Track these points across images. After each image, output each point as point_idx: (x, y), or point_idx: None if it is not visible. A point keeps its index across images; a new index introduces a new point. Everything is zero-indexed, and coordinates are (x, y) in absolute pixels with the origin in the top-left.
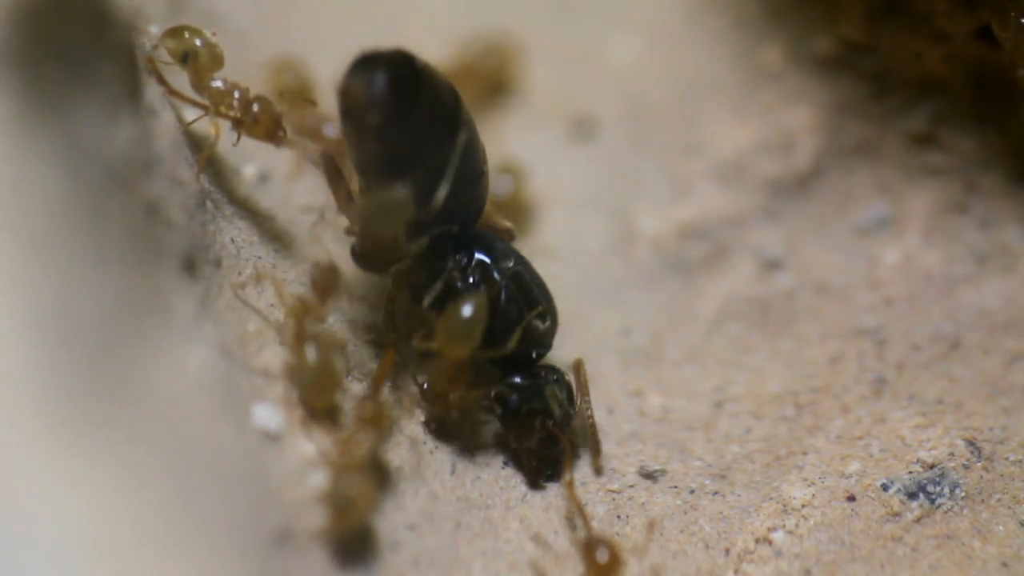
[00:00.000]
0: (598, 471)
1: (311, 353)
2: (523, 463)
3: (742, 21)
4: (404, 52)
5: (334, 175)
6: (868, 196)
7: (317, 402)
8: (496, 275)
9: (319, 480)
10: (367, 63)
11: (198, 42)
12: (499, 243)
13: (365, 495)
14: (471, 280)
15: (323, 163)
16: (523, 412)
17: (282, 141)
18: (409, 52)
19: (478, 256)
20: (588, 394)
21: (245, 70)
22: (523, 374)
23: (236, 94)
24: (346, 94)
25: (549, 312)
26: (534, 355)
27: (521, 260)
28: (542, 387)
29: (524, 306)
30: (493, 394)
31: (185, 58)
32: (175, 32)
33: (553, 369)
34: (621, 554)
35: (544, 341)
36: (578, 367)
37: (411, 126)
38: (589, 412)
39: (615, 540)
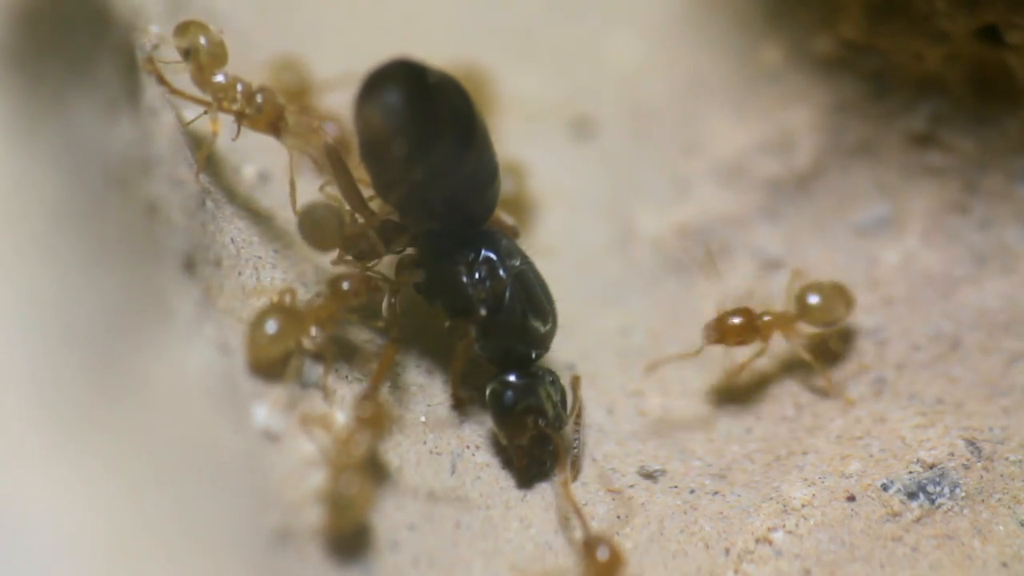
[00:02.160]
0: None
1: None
2: (513, 461)
3: (742, 21)
4: (413, 66)
5: (338, 168)
6: (868, 196)
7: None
8: (502, 272)
9: (318, 479)
10: (381, 88)
11: (202, 38)
12: (505, 241)
13: (364, 494)
14: (477, 276)
15: (327, 156)
16: (517, 410)
17: (284, 132)
18: (418, 64)
19: (485, 253)
20: (582, 416)
21: (246, 69)
22: (519, 373)
23: (239, 87)
24: (366, 126)
25: (550, 314)
26: (533, 355)
27: (526, 259)
28: (537, 386)
29: (527, 306)
30: (488, 390)
31: (188, 54)
32: (181, 28)
33: (549, 371)
34: (621, 552)
35: (543, 343)
36: (575, 385)
37: (435, 146)
38: (577, 436)
39: (614, 538)
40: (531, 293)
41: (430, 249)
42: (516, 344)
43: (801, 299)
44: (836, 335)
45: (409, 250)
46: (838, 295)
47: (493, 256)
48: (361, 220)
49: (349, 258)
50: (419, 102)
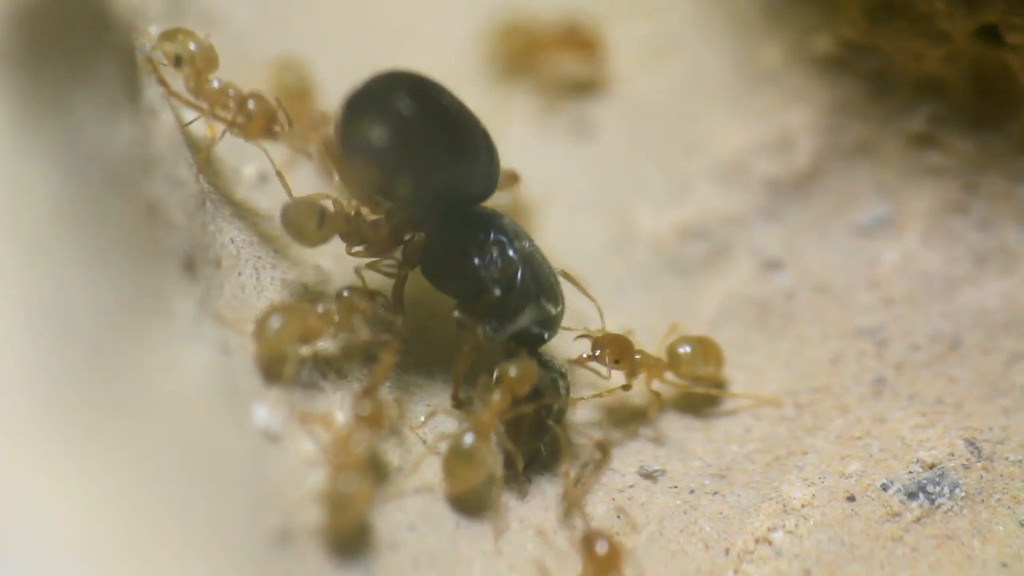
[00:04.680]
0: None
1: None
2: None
3: (742, 21)
4: (387, 96)
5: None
6: (868, 196)
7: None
8: (512, 253)
9: (318, 479)
10: (366, 135)
11: (192, 45)
12: (511, 223)
13: (362, 494)
14: (488, 257)
15: (327, 153)
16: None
17: (279, 136)
18: (388, 90)
19: (494, 235)
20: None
21: (246, 70)
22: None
23: (231, 92)
24: (362, 176)
25: (559, 295)
26: (545, 336)
27: (532, 242)
28: (544, 375)
29: (536, 287)
30: (495, 375)
31: (179, 61)
32: (169, 35)
33: (559, 361)
34: (620, 547)
35: (554, 324)
36: (605, 448)
37: (434, 163)
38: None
39: (613, 533)
40: (541, 274)
41: (438, 234)
42: (529, 325)
43: (672, 351)
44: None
45: (417, 236)
46: (709, 351)
47: (503, 238)
48: (346, 206)
49: (359, 248)
50: (407, 133)
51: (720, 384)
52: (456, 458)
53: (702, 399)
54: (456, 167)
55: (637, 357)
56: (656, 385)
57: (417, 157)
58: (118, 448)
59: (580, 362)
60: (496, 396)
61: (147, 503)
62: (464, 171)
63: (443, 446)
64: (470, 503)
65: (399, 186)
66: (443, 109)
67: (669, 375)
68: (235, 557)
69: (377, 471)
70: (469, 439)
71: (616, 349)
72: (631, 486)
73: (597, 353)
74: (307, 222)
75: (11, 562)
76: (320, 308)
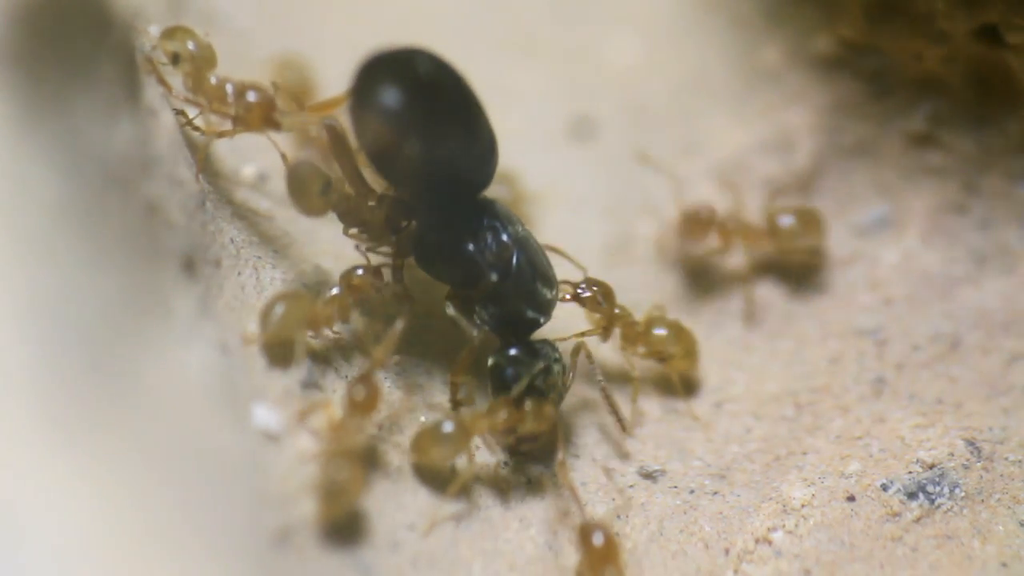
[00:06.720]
0: (628, 433)
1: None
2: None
3: (741, 21)
4: (402, 61)
5: (339, 148)
6: (868, 196)
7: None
8: (506, 238)
9: (312, 470)
10: (379, 93)
11: (190, 44)
12: (502, 208)
13: (354, 481)
14: (484, 244)
15: (328, 135)
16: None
17: (280, 125)
18: (405, 56)
19: (487, 221)
20: (598, 371)
21: (247, 68)
22: (521, 347)
23: (229, 87)
24: (372, 135)
25: (553, 280)
26: (540, 320)
27: (524, 227)
28: (538, 363)
29: (532, 270)
30: (490, 363)
31: (176, 59)
32: (168, 33)
33: (552, 347)
34: (617, 539)
35: (548, 309)
36: (576, 351)
37: (443, 136)
38: (602, 384)
39: (610, 525)
40: (535, 258)
41: (431, 221)
42: (526, 309)
43: (650, 323)
44: (679, 376)
45: (409, 225)
46: (684, 340)
47: (496, 223)
48: (351, 187)
49: (355, 231)
50: (420, 98)
51: (692, 380)
52: (429, 436)
53: (702, 399)
54: (457, 146)
55: (617, 311)
56: (637, 372)
57: (423, 126)
58: (118, 448)
59: (563, 299)
60: (501, 415)
61: (147, 502)
62: (464, 152)
63: (426, 417)
64: (439, 480)
65: (405, 147)
66: (456, 90)
67: (642, 349)
68: (234, 557)
69: (376, 468)
70: (448, 427)
71: (600, 292)
72: (631, 486)
73: (582, 293)
74: (313, 183)
75: (11, 561)
76: (327, 294)
